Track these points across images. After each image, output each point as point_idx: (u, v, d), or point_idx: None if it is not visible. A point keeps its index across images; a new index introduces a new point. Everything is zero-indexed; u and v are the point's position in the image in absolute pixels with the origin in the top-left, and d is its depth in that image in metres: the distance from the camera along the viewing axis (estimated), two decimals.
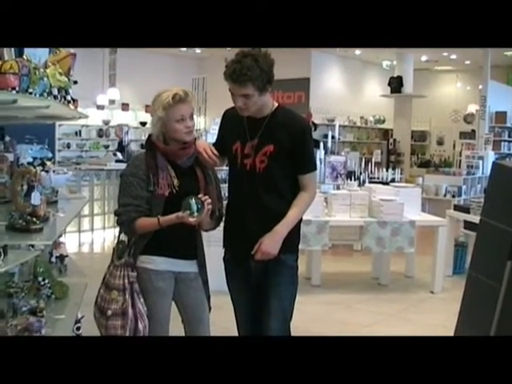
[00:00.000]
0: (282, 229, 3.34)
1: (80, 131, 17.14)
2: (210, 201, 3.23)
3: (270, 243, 3.31)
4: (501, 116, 15.78)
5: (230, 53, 3.29)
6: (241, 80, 3.19)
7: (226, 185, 3.62)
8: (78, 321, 3.83)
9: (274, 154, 3.34)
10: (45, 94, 2.87)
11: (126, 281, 3.28)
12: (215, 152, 3.37)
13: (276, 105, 3.45)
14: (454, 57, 18.64)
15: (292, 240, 3.48)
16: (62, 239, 4.90)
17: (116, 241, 3.45)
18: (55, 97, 3.05)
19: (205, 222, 3.36)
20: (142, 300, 3.30)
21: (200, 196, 3.21)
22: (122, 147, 12.83)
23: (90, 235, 10.71)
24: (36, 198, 2.97)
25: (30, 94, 2.66)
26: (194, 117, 3.40)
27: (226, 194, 3.59)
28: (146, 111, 16.46)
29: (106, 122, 16.78)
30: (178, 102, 3.24)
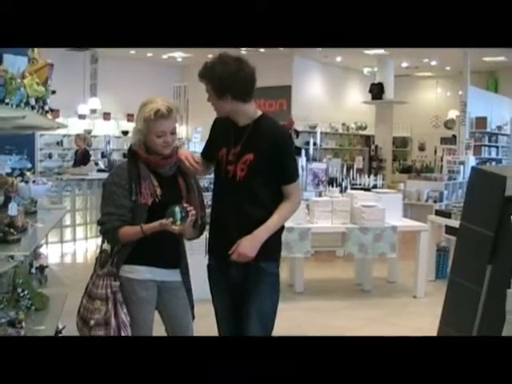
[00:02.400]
0: (261, 233, 3.32)
1: (62, 141, 17.05)
2: (194, 212, 3.23)
3: (248, 245, 3.28)
4: (481, 121, 15.89)
5: None
6: (199, 75, 3.31)
7: (210, 193, 3.64)
8: (58, 331, 3.80)
9: (254, 163, 3.33)
10: (22, 105, 2.85)
11: (109, 290, 3.27)
12: (197, 160, 3.40)
13: (259, 113, 3.45)
14: (434, 63, 18.77)
15: (273, 248, 3.48)
16: (43, 250, 4.87)
17: (99, 250, 3.44)
18: (33, 107, 3.03)
19: (187, 231, 3.36)
20: (124, 310, 3.29)
21: (185, 205, 3.21)
22: (84, 158, 12.23)
23: (72, 245, 10.64)
24: (13, 208, 2.96)
25: (7, 104, 2.65)
26: (177, 125, 3.40)
27: (210, 202, 3.59)
28: (128, 120, 16.40)
29: (88, 132, 16.70)
30: (159, 118, 3.24)
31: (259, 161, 3.33)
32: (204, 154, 3.54)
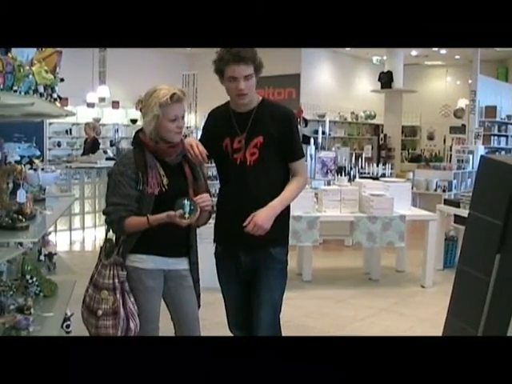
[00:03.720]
0: (276, 205, 3.38)
1: (70, 129, 17.08)
2: (204, 200, 3.23)
3: (264, 216, 3.31)
4: (491, 110, 15.80)
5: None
6: (247, 57, 3.27)
7: (215, 182, 3.64)
8: (67, 318, 3.82)
9: (264, 145, 3.39)
10: (30, 92, 2.85)
11: (116, 280, 3.26)
12: (204, 149, 3.38)
13: (260, 98, 3.50)
14: (443, 52, 18.68)
15: (282, 234, 3.52)
16: (51, 237, 4.89)
17: (104, 239, 3.44)
18: (41, 94, 3.03)
19: (196, 223, 3.35)
20: (132, 299, 3.29)
21: (194, 198, 3.20)
22: (93, 147, 12.23)
23: (81, 233, 10.69)
24: (21, 195, 2.96)
25: (15, 91, 2.65)
26: (185, 113, 3.40)
27: (216, 191, 3.60)
28: (137, 109, 16.38)
29: (97, 120, 16.70)
30: (175, 102, 3.24)
31: (269, 142, 3.40)
32: (203, 146, 3.47)
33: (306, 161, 7.86)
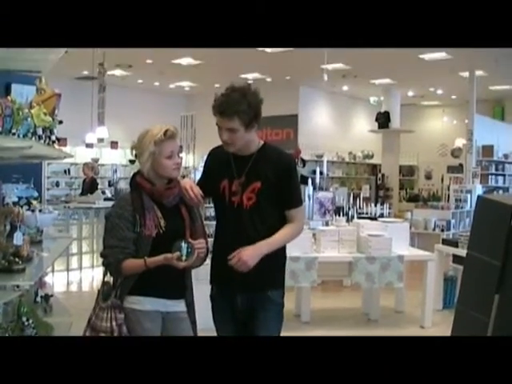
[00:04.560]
0: (261, 245, 3.32)
1: (69, 169, 17.16)
2: (201, 246, 3.23)
3: (250, 254, 3.26)
4: (488, 149, 15.90)
5: (220, 89, 3.33)
6: (227, 113, 3.23)
7: (213, 222, 3.64)
8: None
9: (262, 191, 3.37)
10: (29, 135, 2.87)
11: (114, 323, 3.23)
12: (200, 191, 3.38)
13: (262, 142, 3.49)
14: (440, 92, 18.86)
15: (278, 277, 3.51)
16: (49, 278, 4.87)
17: (101, 282, 3.42)
18: (40, 137, 3.05)
19: (193, 265, 3.34)
20: (133, 336, 3.27)
21: (191, 241, 3.20)
22: (91, 187, 12.29)
23: (78, 274, 10.64)
24: (18, 238, 2.97)
25: (13, 134, 2.67)
26: (184, 154, 3.42)
27: (212, 231, 3.59)
28: (131, 153, 16.45)
29: (96, 160, 16.78)
30: (169, 138, 3.26)
31: (267, 188, 3.37)
32: (200, 187, 3.44)
33: (304, 201, 7.87)
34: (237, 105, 3.22)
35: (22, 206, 3.74)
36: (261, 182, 3.37)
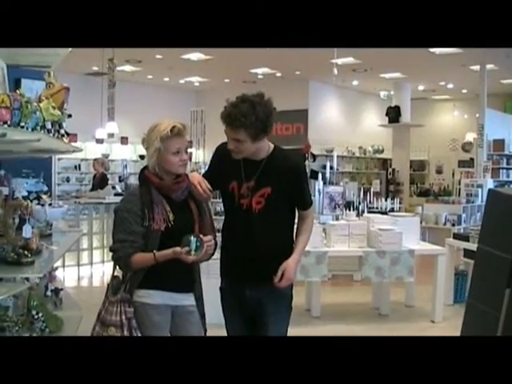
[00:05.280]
0: (298, 257, 3.48)
1: (79, 165, 17.22)
2: (210, 242, 3.23)
3: (292, 270, 3.40)
4: (498, 144, 15.82)
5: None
6: (234, 125, 3.23)
7: (222, 217, 3.65)
8: None
9: (271, 196, 3.40)
10: (38, 128, 2.87)
11: (124, 317, 3.24)
12: (209, 186, 3.39)
13: (272, 147, 3.48)
14: (450, 86, 18.79)
15: None
16: (59, 273, 4.88)
17: (110, 276, 3.43)
18: (48, 130, 3.05)
19: (201, 260, 3.35)
20: (139, 335, 3.27)
21: (201, 236, 3.20)
22: (102, 182, 12.34)
23: (89, 269, 10.68)
24: (27, 231, 2.97)
25: (22, 127, 2.67)
26: (194, 149, 3.42)
27: (221, 226, 3.60)
28: (142, 145, 16.48)
29: (106, 156, 16.82)
30: (175, 135, 3.25)
31: (277, 193, 3.41)
32: (208, 180, 3.46)
33: (314, 196, 7.86)
34: (244, 117, 3.19)
35: (31, 200, 3.75)
36: (271, 188, 3.40)
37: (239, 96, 3.28)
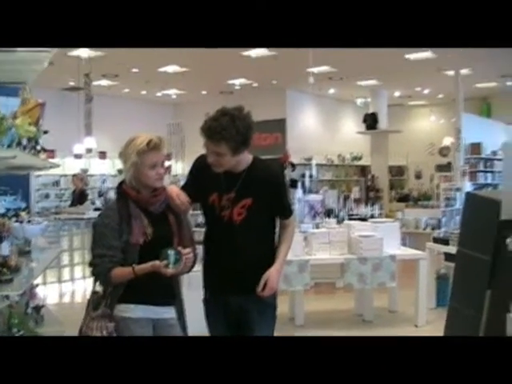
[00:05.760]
0: (280, 265, 3.50)
1: (58, 181, 17.11)
2: (189, 255, 3.21)
3: (275, 279, 3.42)
4: (476, 147, 15.97)
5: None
6: (215, 138, 3.25)
7: (202, 229, 3.66)
8: None
9: (252, 207, 3.42)
10: (13, 145, 2.86)
11: (104, 332, 3.22)
12: (187, 198, 3.38)
13: (251, 158, 3.51)
14: (426, 91, 18.93)
15: None
16: (41, 289, 4.84)
17: (91, 292, 3.41)
18: (24, 147, 3.03)
19: (180, 273, 3.34)
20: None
21: (179, 248, 3.19)
22: (81, 198, 12.31)
23: (70, 285, 10.60)
24: (5, 248, 2.95)
25: None
26: (173, 162, 3.42)
27: (201, 238, 3.60)
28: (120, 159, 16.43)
29: (85, 171, 16.72)
30: (152, 149, 3.23)
31: (258, 204, 3.44)
32: (187, 192, 3.46)
33: (294, 204, 7.87)
34: (224, 131, 3.22)
35: (10, 218, 3.72)
36: (251, 199, 3.42)
37: (219, 109, 3.30)
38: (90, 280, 3.37)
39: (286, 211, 3.61)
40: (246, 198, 3.41)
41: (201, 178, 3.54)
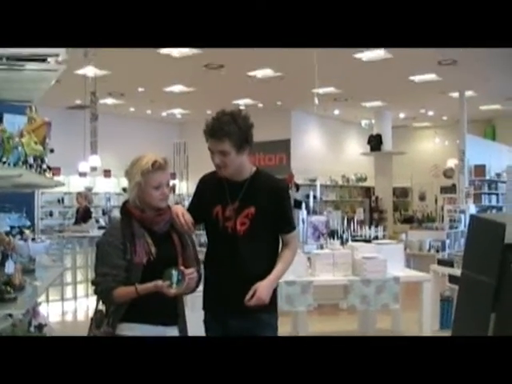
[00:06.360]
0: (273, 278, 3.42)
1: (63, 199, 17.15)
2: (192, 275, 3.21)
3: (264, 290, 3.34)
4: (480, 169, 15.98)
5: (211, 116, 3.36)
6: (218, 135, 3.28)
7: (205, 248, 3.64)
8: None
9: (255, 216, 3.41)
10: (20, 163, 2.87)
11: None
12: (191, 218, 3.38)
13: (254, 168, 3.52)
14: (431, 113, 18.97)
15: (272, 300, 3.50)
16: (43, 308, 4.84)
17: (94, 310, 3.40)
18: (31, 166, 3.05)
19: (183, 293, 3.33)
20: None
21: (182, 268, 3.18)
22: (85, 216, 12.37)
23: (73, 303, 10.58)
24: (10, 266, 2.95)
25: (4, 163, 2.67)
26: (177, 181, 3.42)
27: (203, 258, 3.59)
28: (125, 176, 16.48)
29: (89, 189, 16.77)
30: (157, 170, 3.24)
31: (261, 213, 3.42)
32: (192, 214, 3.44)
33: (298, 225, 7.86)
34: (227, 127, 3.26)
35: (14, 236, 3.73)
36: (255, 208, 3.41)
37: (219, 111, 3.36)
38: (93, 298, 3.37)
39: (288, 223, 3.58)
40: (249, 207, 3.40)
41: (206, 193, 3.56)
